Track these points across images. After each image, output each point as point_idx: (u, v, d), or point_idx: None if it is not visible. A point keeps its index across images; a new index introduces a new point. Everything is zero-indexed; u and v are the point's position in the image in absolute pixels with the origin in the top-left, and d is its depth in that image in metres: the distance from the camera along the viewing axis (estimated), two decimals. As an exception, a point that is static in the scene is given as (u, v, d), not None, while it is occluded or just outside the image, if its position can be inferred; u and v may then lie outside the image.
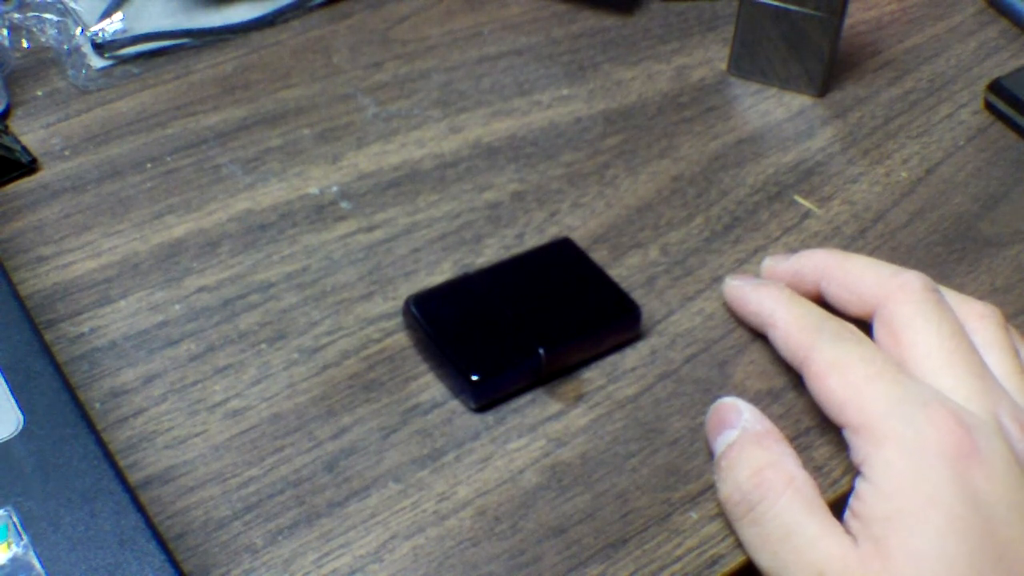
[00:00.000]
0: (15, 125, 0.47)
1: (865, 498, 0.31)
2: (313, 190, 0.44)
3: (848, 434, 0.33)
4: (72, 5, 0.51)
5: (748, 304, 0.39)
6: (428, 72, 0.51)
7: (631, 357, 0.39)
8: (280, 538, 0.33)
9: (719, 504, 0.34)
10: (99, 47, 0.50)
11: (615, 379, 0.38)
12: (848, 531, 0.31)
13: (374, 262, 0.42)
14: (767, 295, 0.38)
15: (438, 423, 0.36)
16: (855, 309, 0.36)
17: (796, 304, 0.37)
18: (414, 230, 0.43)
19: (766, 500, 0.32)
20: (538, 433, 0.36)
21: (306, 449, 0.35)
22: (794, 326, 0.36)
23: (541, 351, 0.37)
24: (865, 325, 0.36)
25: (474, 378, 0.36)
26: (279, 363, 0.38)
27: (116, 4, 0.52)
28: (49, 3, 0.50)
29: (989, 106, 0.50)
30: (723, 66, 0.52)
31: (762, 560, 0.32)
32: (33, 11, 0.50)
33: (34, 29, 0.50)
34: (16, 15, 0.50)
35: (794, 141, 0.48)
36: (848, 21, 0.53)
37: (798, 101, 0.50)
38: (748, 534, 0.32)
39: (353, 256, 0.42)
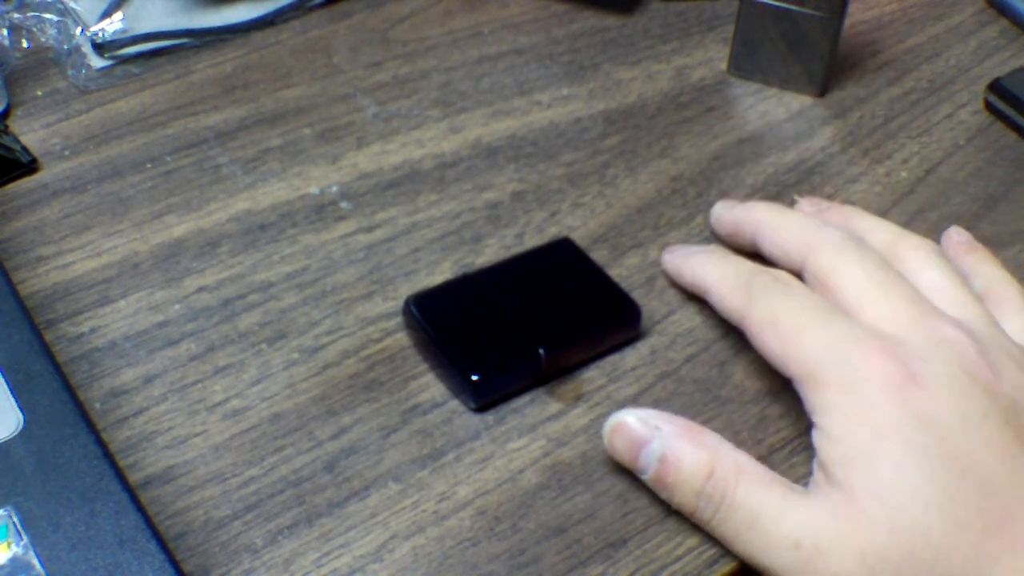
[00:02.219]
0: (15, 125, 0.47)
1: (821, 446, 0.31)
2: (313, 190, 0.44)
3: (797, 387, 0.33)
4: (72, 5, 0.51)
5: (684, 275, 0.39)
6: (428, 72, 0.51)
7: (631, 357, 0.39)
8: (280, 538, 0.33)
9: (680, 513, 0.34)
10: (99, 47, 0.50)
11: (615, 379, 0.38)
12: (814, 487, 0.31)
13: (374, 262, 0.42)
14: (698, 262, 0.39)
15: (438, 423, 0.36)
16: (785, 265, 0.37)
17: (725, 264, 0.37)
18: (414, 230, 0.43)
19: (726, 496, 0.32)
20: (538, 433, 0.36)
21: (306, 449, 0.35)
22: (726, 288, 0.36)
23: (541, 351, 0.37)
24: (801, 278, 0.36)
25: (474, 378, 0.36)
26: (279, 363, 0.38)
27: (116, 4, 0.52)
28: (49, 3, 0.50)
29: (989, 106, 0.50)
30: (723, 66, 0.52)
31: (742, 552, 0.32)
32: (33, 11, 0.50)
33: (34, 29, 0.50)
34: (16, 15, 0.50)
35: (794, 141, 0.48)
36: (848, 21, 0.53)
37: (798, 101, 0.50)
38: (721, 532, 0.32)
39: (353, 256, 0.42)
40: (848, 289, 0.34)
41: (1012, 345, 0.34)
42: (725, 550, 0.33)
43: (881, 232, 0.38)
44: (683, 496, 0.33)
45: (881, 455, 0.30)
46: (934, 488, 0.29)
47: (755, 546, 0.31)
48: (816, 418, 0.32)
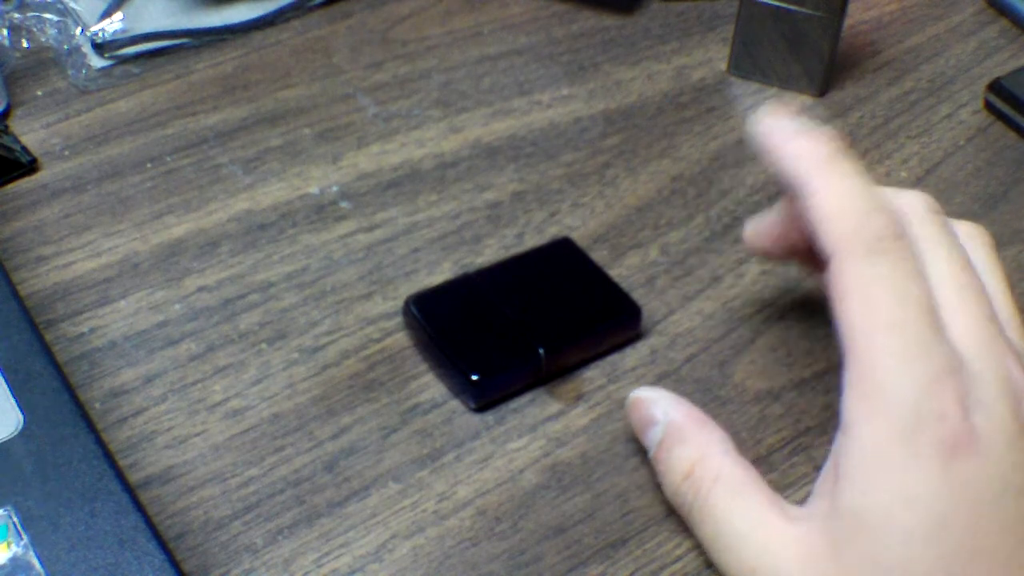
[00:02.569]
0: (15, 125, 0.47)
1: (841, 473, 0.28)
2: (313, 190, 0.44)
3: (847, 371, 0.29)
4: (72, 5, 0.51)
5: (783, 160, 0.31)
6: (428, 72, 0.51)
7: (631, 357, 0.39)
8: (280, 538, 0.33)
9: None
10: (99, 47, 0.50)
11: (615, 379, 0.38)
12: (805, 517, 0.29)
13: (374, 262, 0.42)
14: (810, 154, 0.31)
15: (438, 423, 0.36)
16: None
17: (840, 174, 0.30)
18: (414, 230, 0.43)
19: (696, 500, 0.31)
20: (538, 433, 0.36)
21: (306, 449, 0.35)
22: (834, 207, 0.29)
23: (541, 351, 0.37)
24: None
25: (474, 378, 0.36)
26: (279, 363, 0.38)
27: (116, 4, 0.52)
28: (49, 3, 0.50)
29: (989, 106, 0.50)
30: (723, 66, 0.52)
31: (712, 558, 0.31)
32: (33, 11, 0.50)
33: (34, 29, 0.50)
34: (16, 15, 0.50)
35: (794, 141, 0.48)
36: (848, 21, 0.53)
37: (798, 101, 0.50)
38: (696, 534, 0.32)
39: (353, 256, 0.42)
40: (930, 278, 0.29)
41: None
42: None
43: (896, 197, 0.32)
44: (667, 486, 0.33)
45: (897, 524, 0.27)
46: (935, 569, 0.27)
47: (717, 556, 0.30)
48: (851, 436, 0.28)
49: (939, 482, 0.27)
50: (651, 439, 0.33)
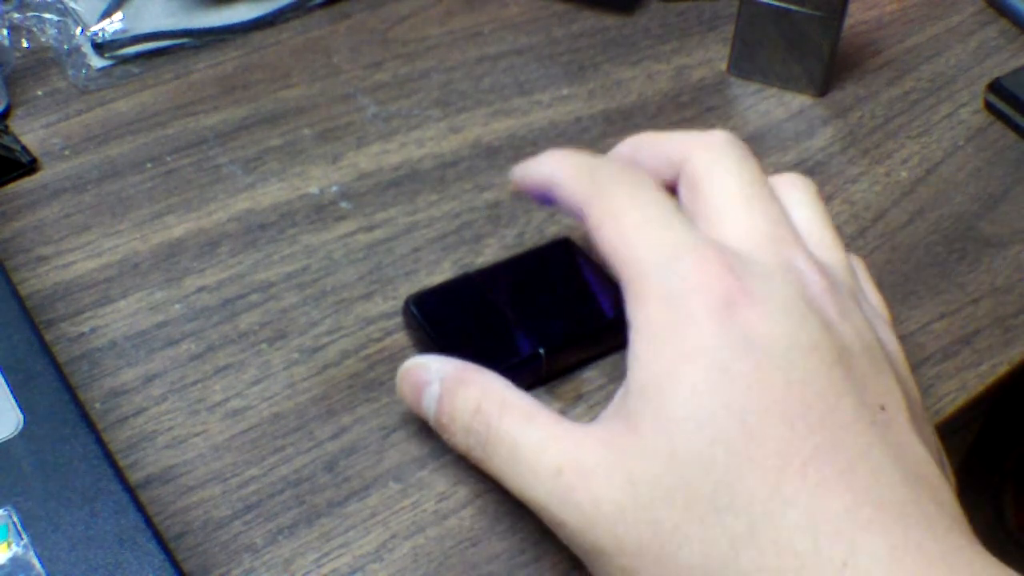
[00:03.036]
0: (15, 125, 0.47)
1: (629, 369, 0.29)
2: (313, 190, 0.44)
3: (623, 292, 0.30)
4: (72, 5, 0.51)
5: (530, 178, 0.35)
6: (428, 72, 0.51)
7: (631, 357, 0.39)
8: (280, 538, 0.33)
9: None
10: (99, 47, 0.50)
11: (615, 379, 0.38)
12: (596, 421, 0.29)
13: (374, 262, 0.42)
14: (543, 159, 0.34)
15: (438, 423, 0.36)
16: (667, 174, 0.33)
17: (572, 156, 0.34)
18: (414, 230, 0.43)
19: (489, 430, 0.30)
20: (538, 433, 0.36)
21: (306, 449, 0.35)
22: (571, 176, 0.33)
23: (541, 351, 0.37)
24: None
25: None
26: (279, 363, 0.38)
27: (116, 4, 0.52)
28: (49, 3, 0.50)
29: (989, 106, 0.50)
30: (723, 66, 0.52)
31: (511, 486, 0.30)
32: (33, 11, 0.50)
33: (34, 29, 0.50)
34: (16, 15, 0.50)
35: (794, 141, 0.48)
36: (848, 21, 0.53)
37: (798, 101, 0.50)
38: (490, 468, 0.31)
39: (353, 256, 0.42)
40: (715, 196, 0.31)
41: (866, 302, 0.32)
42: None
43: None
44: (456, 435, 0.32)
45: (679, 381, 0.27)
46: (729, 420, 0.26)
47: (519, 479, 0.29)
48: (631, 333, 0.29)
49: (717, 336, 0.27)
50: (428, 400, 0.33)
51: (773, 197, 0.32)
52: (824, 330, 0.28)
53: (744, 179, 0.31)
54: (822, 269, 0.30)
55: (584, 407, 0.37)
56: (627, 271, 0.30)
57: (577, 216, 0.32)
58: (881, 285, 0.42)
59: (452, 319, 0.38)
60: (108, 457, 0.31)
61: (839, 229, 0.34)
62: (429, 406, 0.33)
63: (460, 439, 0.32)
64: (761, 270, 0.29)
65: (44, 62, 0.50)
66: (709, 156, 0.32)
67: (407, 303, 0.38)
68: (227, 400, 0.37)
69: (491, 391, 0.31)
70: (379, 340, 0.39)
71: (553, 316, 0.38)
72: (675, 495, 0.27)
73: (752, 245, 0.30)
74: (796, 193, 0.33)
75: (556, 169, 0.34)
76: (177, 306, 0.40)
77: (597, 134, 0.48)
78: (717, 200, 0.31)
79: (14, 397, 0.33)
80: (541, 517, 0.29)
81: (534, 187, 0.35)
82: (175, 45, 0.51)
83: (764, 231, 0.30)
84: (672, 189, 0.33)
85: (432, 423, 0.33)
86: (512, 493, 0.30)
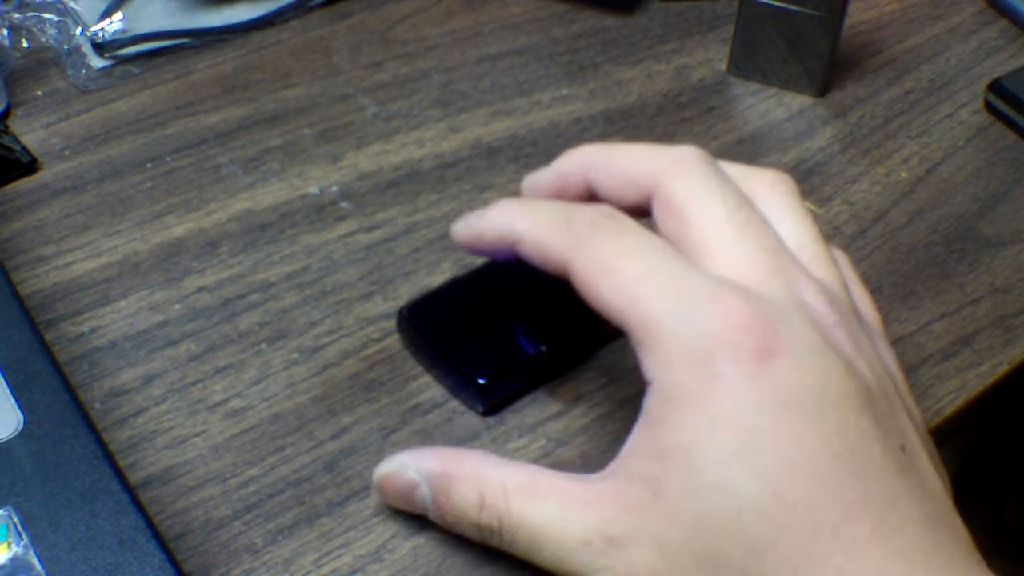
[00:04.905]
0: (15, 125, 0.47)
1: (649, 423, 0.28)
2: (313, 190, 0.44)
3: (635, 348, 0.28)
4: (72, 5, 0.51)
5: (484, 234, 0.32)
6: (428, 72, 0.51)
7: (631, 357, 0.39)
8: (280, 538, 0.33)
9: None
10: (99, 47, 0.50)
11: (615, 379, 0.38)
12: (609, 478, 0.28)
13: (374, 262, 0.42)
14: (498, 213, 0.32)
15: (438, 423, 0.36)
16: (631, 197, 0.31)
17: (534, 206, 0.31)
18: (414, 230, 0.43)
19: (502, 519, 0.29)
20: (538, 433, 0.36)
21: (306, 449, 0.35)
22: (541, 232, 0.30)
23: (544, 348, 0.37)
24: (646, 217, 0.31)
25: (481, 382, 0.36)
26: (279, 363, 0.38)
27: (116, 4, 0.52)
28: (49, 3, 0.50)
29: (989, 106, 0.50)
30: (723, 66, 0.52)
31: (542, 566, 0.29)
32: (33, 11, 0.50)
33: (34, 29, 0.50)
34: (16, 15, 0.50)
35: (794, 141, 0.48)
36: (848, 21, 0.53)
37: (798, 101, 0.50)
38: (516, 553, 0.30)
39: (353, 256, 0.42)
40: (704, 225, 0.29)
41: (865, 316, 0.31)
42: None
43: (730, 167, 0.32)
44: (468, 531, 0.31)
45: (708, 446, 0.26)
46: (759, 485, 0.26)
47: (548, 558, 0.29)
48: (652, 389, 0.28)
49: (748, 395, 0.26)
50: (421, 500, 0.31)
51: (763, 220, 0.30)
52: (848, 374, 0.27)
53: (730, 204, 0.29)
54: (829, 298, 0.29)
55: (584, 407, 0.37)
56: (638, 330, 0.28)
57: (554, 272, 0.30)
58: (881, 285, 0.42)
59: (449, 325, 0.37)
60: (108, 457, 0.31)
61: (827, 234, 0.32)
62: (425, 506, 0.31)
63: (473, 534, 0.31)
64: (780, 313, 0.27)
65: (44, 62, 0.50)
66: (686, 181, 0.30)
67: (401, 313, 0.38)
68: (227, 400, 0.37)
69: (486, 480, 0.30)
70: (379, 340, 0.39)
71: (551, 313, 0.38)
72: (704, 561, 0.26)
73: (758, 280, 0.28)
74: (775, 198, 0.31)
75: (522, 223, 0.31)
76: (177, 306, 0.40)
77: (597, 134, 0.48)
78: (708, 229, 0.29)
79: (14, 397, 0.33)
80: None
81: (491, 244, 0.32)
82: (175, 45, 0.51)
83: (766, 262, 0.28)
84: (635, 213, 0.31)
85: (435, 520, 0.32)
86: (543, 569, 0.29)
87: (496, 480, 0.30)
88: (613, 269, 0.28)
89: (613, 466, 0.29)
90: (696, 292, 0.27)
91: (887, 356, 0.30)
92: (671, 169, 0.30)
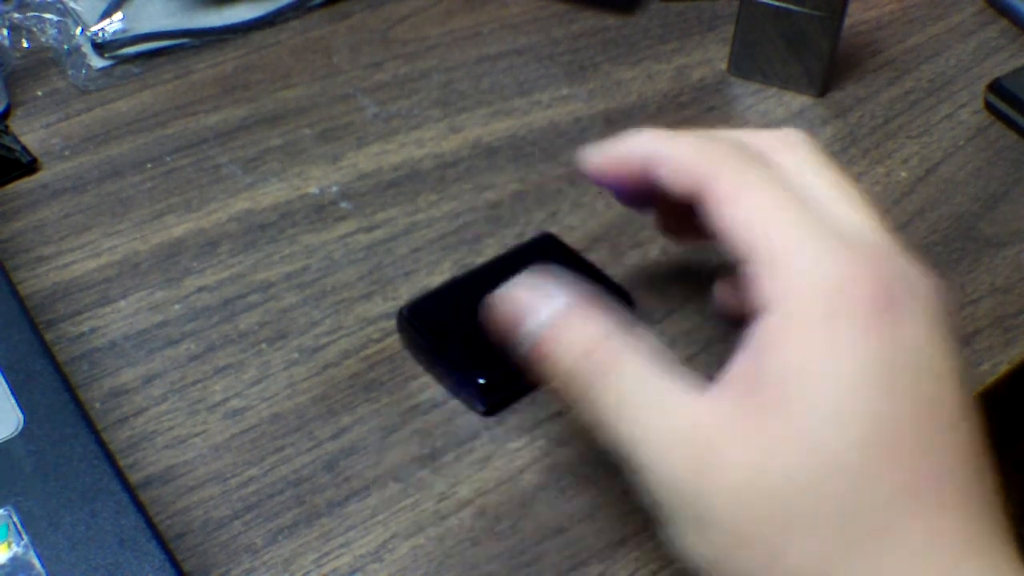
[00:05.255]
0: (15, 125, 0.47)
1: (763, 343, 0.27)
2: (313, 190, 0.44)
3: (752, 270, 0.28)
4: (72, 5, 0.51)
5: (622, 159, 0.32)
6: (428, 72, 0.51)
7: (631, 357, 0.39)
8: (280, 538, 0.33)
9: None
10: (99, 47, 0.50)
11: (615, 379, 0.38)
12: (723, 390, 0.28)
13: (374, 262, 0.42)
14: (642, 138, 0.32)
15: (438, 423, 0.36)
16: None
17: (677, 135, 0.32)
18: (414, 230, 0.43)
19: (601, 374, 0.28)
20: (538, 433, 0.36)
21: (306, 449, 0.35)
22: (687, 152, 0.31)
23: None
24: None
25: (481, 381, 0.36)
26: (279, 363, 0.38)
27: (116, 4, 0.52)
28: (49, 3, 0.50)
29: (989, 106, 0.50)
30: (723, 66, 0.52)
31: (612, 432, 0.28)
32: (33, 11, 0.50)
33: (34, 29, 0.50)
34: (16, 15, 0.50)
35: (794, 141, 0.48)
36: (848, 21, 0.53)
37: (798, 101, 0.50)
38: (592, 409, 0.28)
39: (353, 256, 0.42)
40: (815, 189, 0.30)
41: None
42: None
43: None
44: (559, 365, 0.29)
45: (828, 376, 0.26)
46: (872, 425, 0.26)
47: (623, 428, 0.28)
48: (771, 310, 0.27)
49: (872, 339, 0.27)
50: (532, 325, 0.30)
51: (807, 206, 0.30)
52: (955, 352, 0.28)
53: (832, 173, 0.30)
54: (917, 262, 0.29)
55: (584, 407, 0.37)
56: (769, 254, 0.28)
57: (685, 196, 0.30)
58: (881, 285, 0.42)
59: (448, 325, 0.37)
60: (108, 457, 0.31)
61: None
62: (530, 331, 0.30)
63: (560, 370, 0.29)
64: (902, 272, 0.28)
65: (44, 62, 0.50)
66: (795, 156, 0.31)
67: (401, 314, 0.38)
68: (227, 400, 0.37)
69: (616, 334, 0.29)
70: (379, 340, 0.39)
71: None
72: (806, 492, 0.26)
73: (874, 241, 0.29)
74: (805, 154, 0.31)
75: (665, 144, 0.31)
76: (177, 306, 0.40)
77: (597, 134, 0.48)
78: (817, 192, 0.30)
79: (14, 397, 0.33)
80: (645, 474, 0.28)
81: (628, 168, 0.32)
82: (175, 45, 0.51)
83: (876, 228, 0.29)
84: (676, 208, 0.32)
85: (526, 350, 0.30)
86: (610, 440, 0.28)
87: (625, 337, 0.29)
88: (753, 192, 0.29)
89: (727, 379, 0.28)
90: (830, 235, 0.28)
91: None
92: (777, 147, 0.31)
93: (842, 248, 0.28)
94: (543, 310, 0.30)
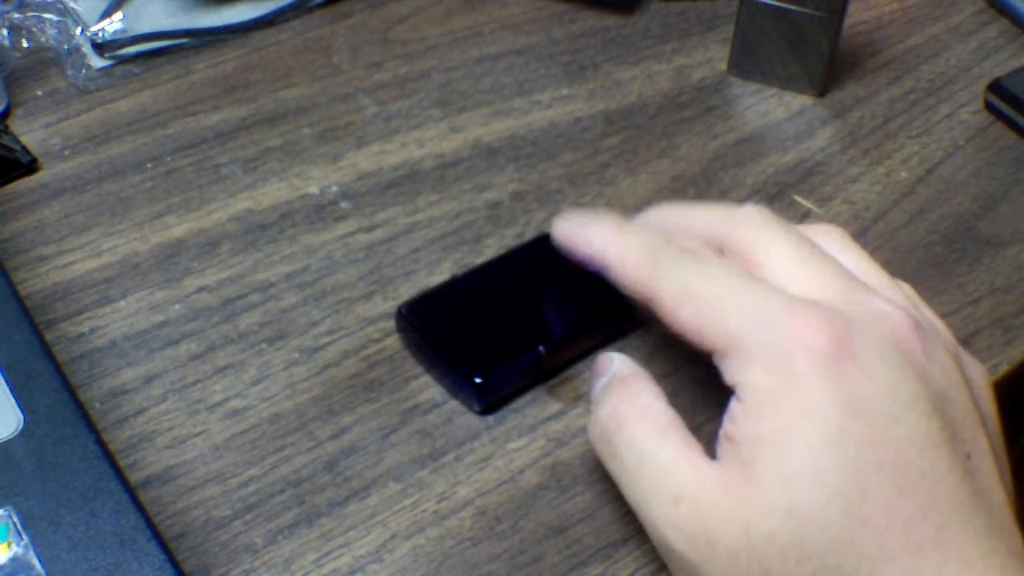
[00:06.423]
0: (15, 125, 0.47)
1: (736, 420, 0.29)
2: (313, 190, 0.44)
3: (716, 361, 0.30)
4: (72, 5, 0.51)
5: (578, 247, 0.35)
6: (428, 72, 0.51)
7: (631, 357, 0.39)
8: (280, 538, 0.33)
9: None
10: (99, 47, 0.50)
11: (615, 379, 0.38)
12: (717, 456, 0.30)
13: (374, 262, 0.42)
14: (596, 233, 0.35)
15: (438, 423, 0.36)
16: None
17: (627, 235, 0.34)
18: (414, 230, 0.43)
19: (621, 430, 0.31)
20: (538, 433, 0.36)
21: (306, 449, 0.35)
22: (629, 261, 0.33)
23: (541, 348, 0.37)
24: None
25: (478, 380, 0.36)
26: (279, 363, 0.38)
27: (116, 4, 0.52)
28: (49, 3, 0.50)
29: (989, 106, 0.50)
30: (723, 66, 0.52)
31: (626, 492, 0.31)
32: (33, 11, 0.50)
33: (34, 29, 0.50)
34: (16, 15, 0.50)
35: (794, 141, 0.48)
36: (848, 21, 0.53)
37: (798, 101, 0.50)
38: (610, 468, 0.31)
39: (353, 256, 0.42)
40: (773, 263, 0.32)
41: (939, 330, 0.32)
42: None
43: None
44: (593, 427, 0.32)
45: (797, 437, 0.28)
46: (844, 480, 0.27)
47: (639, 490, 0.30)
48: (739, 391, 0.29)
49: (828, 391, 0.28)
50: (597, 387, 0.33)
51: (827, 254, 0.32)
52: (919, 379, 0.29)
53: (794, 242, 0.32)
54: (900, 310, 0.30)
55: (584, 407, 0.37)
56: (721, 344, 0.30)
57: (637, 299, 0.33)
58: (881, 285, 0.42)
59: (447, 323, 0.37)
60: (108, 457, 0.31)
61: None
62: (595, 392, 0.33)
63: (593, 429, 0.32)
64: (852, 322, 0.29)
65: (44, 62, 0.50)
66: (753, 231, 0.33)
67: (399, 311, 0.38)
68: (227, 400, 0.37)
69: (639, 396, 0.32)
70: (379, 340, 0.39)
71: (548, 312, 0.38)
72: (788, 552, 0.27)
73: (829, 298, 0.30)
74: (834, 242, 0.34)
75: (613, 252, 0.34)
76: (177, 306, 0.40)
77: (597, 134, 0.48)
78: (776, 266, 0.32)
79: (14, 397, 0.33)
80: (649, 533, 0.30)
81: (585, 259, 0.35)
82: (175, 45, 0.51)
83: (835, 286, 0.31)
84: None
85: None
86: (628, 502, 0.31)
87: (645, 400, 0.32)
88: (693, 293, 0.31)
89: (718, 452, 0.30)
90: (772, 305, 0.30)
91: (970, 366, 0.32)
92: (739, 225, 0.33)
93: (784, 314, 0.29)
94: (607, 374, 0.33)
